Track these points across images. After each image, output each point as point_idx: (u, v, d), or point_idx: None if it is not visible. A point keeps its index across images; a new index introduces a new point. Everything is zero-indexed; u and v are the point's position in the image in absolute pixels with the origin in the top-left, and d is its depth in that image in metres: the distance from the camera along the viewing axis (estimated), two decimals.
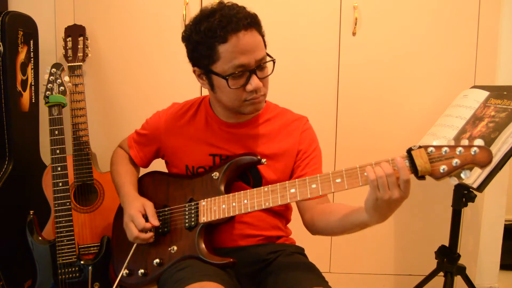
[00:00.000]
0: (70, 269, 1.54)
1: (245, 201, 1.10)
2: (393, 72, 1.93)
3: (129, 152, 1.36)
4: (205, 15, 1.08)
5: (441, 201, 1.89)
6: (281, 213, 1.28)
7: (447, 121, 1.67)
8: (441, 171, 0.89)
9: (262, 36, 1.12)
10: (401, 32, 1.91)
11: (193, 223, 1.16)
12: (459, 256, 1.64)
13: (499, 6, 1.88)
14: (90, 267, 1.55)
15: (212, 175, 1.20)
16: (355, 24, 1.89)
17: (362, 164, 0.96)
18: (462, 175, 0.89)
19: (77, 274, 1.55)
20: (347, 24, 1.90)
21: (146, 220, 1.18)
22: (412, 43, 1.91)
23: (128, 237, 1.18)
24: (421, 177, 0.92)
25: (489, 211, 2.00)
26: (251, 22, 1.07)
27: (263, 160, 1.17)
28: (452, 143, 0.90)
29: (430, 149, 0.91)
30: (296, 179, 1.05)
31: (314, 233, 1.19)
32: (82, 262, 1.56)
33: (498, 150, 1.36)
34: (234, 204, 1.11)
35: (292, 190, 1.04)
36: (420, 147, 0.91)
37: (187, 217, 1.18)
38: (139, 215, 1.17)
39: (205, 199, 1.17)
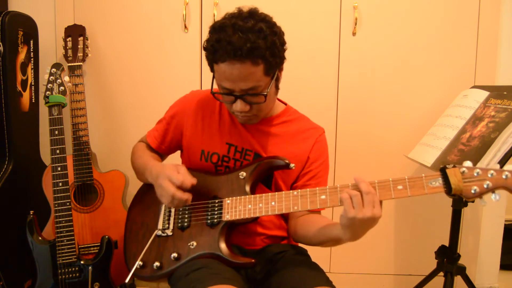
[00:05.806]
0: (70, 269, 1.54)
1: (273, 203, 1.09)
2: (393, 72, 1.93)
3: (147, 140, 1.35)
4: (217, 27, 1.07)
5: (441, 201, 1.89)
6: (286, 215, 1.28)
7: (447, 121, 1.67)
8: (473, 191, 0.92)
9: (266, 65, 1.07)
10: (401, 32, 1.91)
11: (215, 220, 1.15)
12: (459, 256, 1.64)
13: (499, 6, 1.88)
14: (90, 267, 1.56)
15: (239, 174, 1.19)
16: (355, 24, 1.89)
17: (395, 178, 1.00)
18: (492, 197, 0.92)
19: (77, 274, 1.55)
20: (347, 24, 1.90)
21: None
22: (412, 43, 1.91)
23: (163, 198, 1.12)
24: (453, 195, 0.94)
25: (489, 211, 2.00)
26: (245, 54, 1.02)
27: (292, 165, 1.17)
28: (484, 165, 0.95)
29: (462, 169, 0.94)
30: (327, 186, 1.05)
31: (295, 239, 1.21)
32: (82, 262, 1.56)
33: (498, 150, 1.35)
34: (260, 205, 1.10)
35: (323, 197, 1.04)
36: (454, 166, 0.94)
37: (209, 213, 1.17)
38: (176, 173, 1.12)
39: (230, 198, 1.16)
